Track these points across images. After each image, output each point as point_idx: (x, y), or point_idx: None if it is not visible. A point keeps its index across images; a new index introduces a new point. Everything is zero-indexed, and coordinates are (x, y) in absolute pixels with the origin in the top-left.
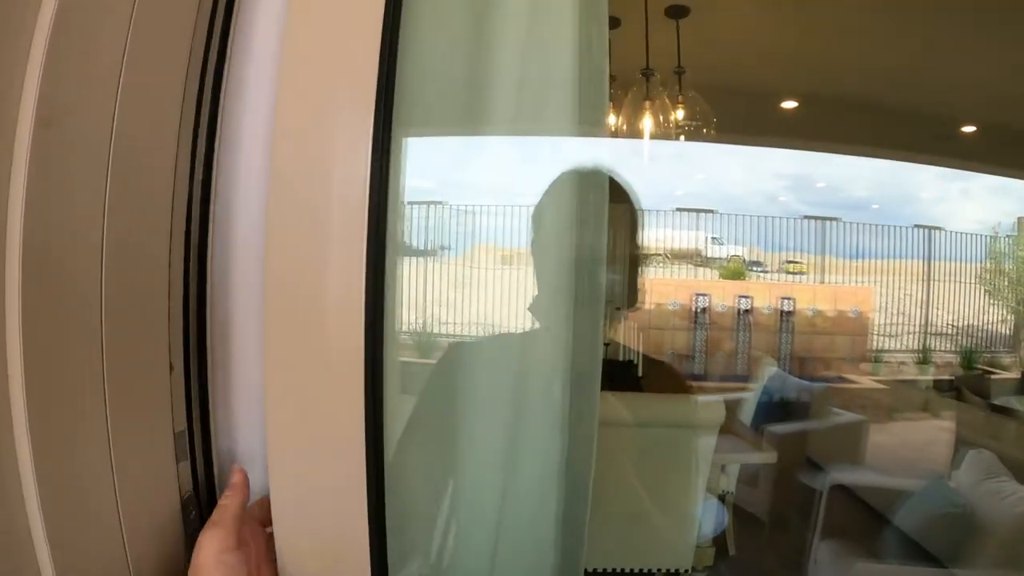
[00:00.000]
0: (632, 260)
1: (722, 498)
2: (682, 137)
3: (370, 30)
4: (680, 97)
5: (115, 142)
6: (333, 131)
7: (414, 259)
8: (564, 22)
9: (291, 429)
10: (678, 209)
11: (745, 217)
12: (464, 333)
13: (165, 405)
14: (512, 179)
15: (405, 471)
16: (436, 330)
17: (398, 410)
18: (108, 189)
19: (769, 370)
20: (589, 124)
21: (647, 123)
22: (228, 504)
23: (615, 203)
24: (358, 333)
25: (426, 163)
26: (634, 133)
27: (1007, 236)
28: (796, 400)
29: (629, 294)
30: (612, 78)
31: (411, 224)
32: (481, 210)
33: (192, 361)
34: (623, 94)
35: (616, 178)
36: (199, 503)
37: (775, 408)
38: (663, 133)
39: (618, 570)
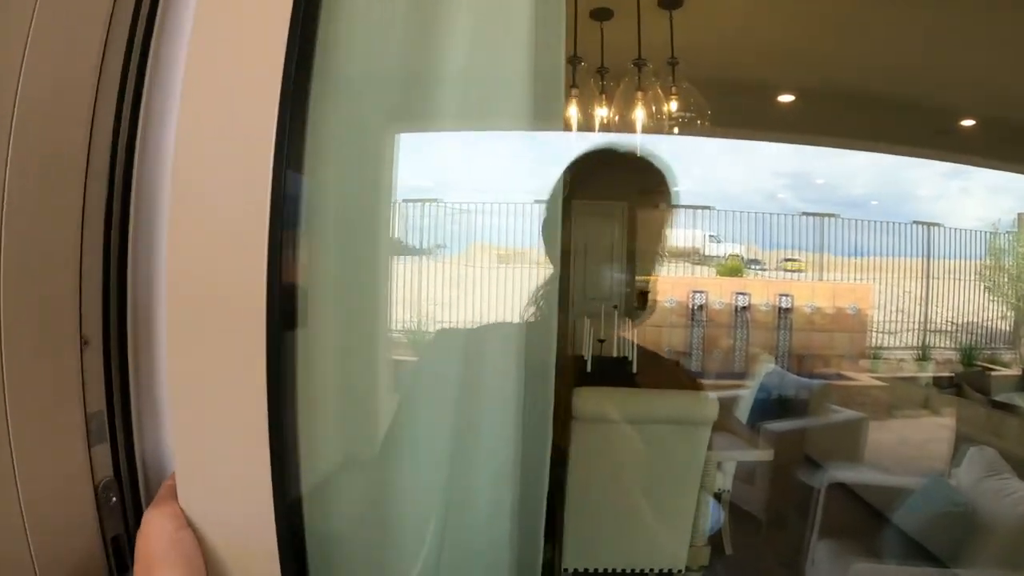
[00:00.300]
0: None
1: (718, 496)
2: (676, 129)
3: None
4: (674, 89)
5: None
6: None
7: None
8: (516, 17)
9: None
10: (673, 205)
11: (742, 214)
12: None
13: (75, 383)
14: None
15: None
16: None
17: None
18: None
19: (766, 367)
20: (544, 119)
21: (639, 114)
22: (169, 483)
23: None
24: (260, 318)
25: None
26: (626, 126)
27: (1007, 232)
28: (794, 397)
29: (638, 300)
30: (605, 70)
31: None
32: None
33: (112, 338)
34: (615, 86)
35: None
36: (120, 487)
37: (772, 405)
38: (656, 126)
39: (610, 570)
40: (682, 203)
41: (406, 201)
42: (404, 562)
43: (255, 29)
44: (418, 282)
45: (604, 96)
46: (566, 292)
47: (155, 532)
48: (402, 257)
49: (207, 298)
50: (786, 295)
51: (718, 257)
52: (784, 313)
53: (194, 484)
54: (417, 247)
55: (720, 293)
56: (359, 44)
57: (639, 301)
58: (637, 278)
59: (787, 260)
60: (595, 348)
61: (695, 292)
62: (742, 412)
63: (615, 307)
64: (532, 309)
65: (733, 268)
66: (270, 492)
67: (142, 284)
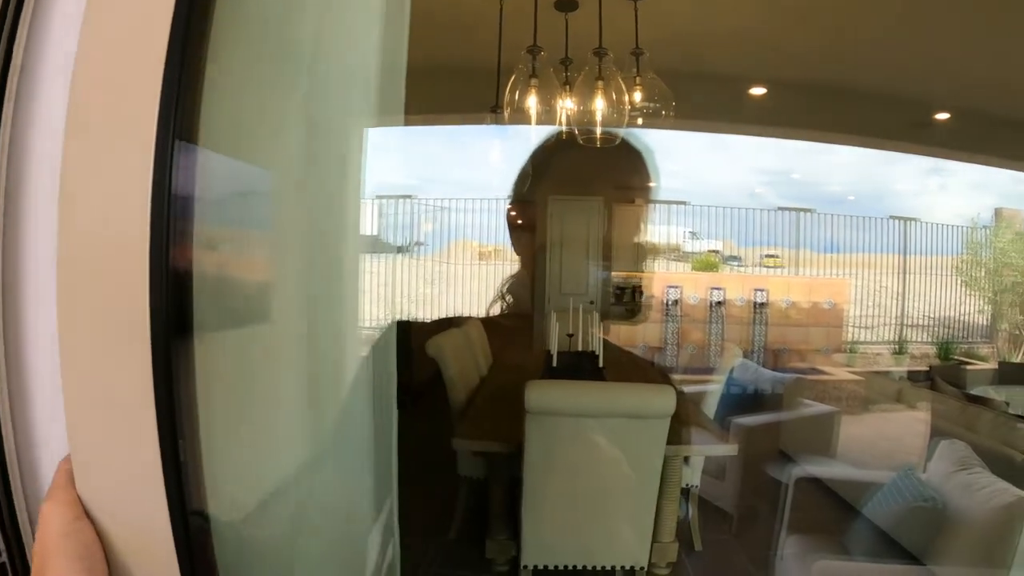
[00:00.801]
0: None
1: (686, 492)
2: (640, 120)
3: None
4: (638, 79)
5: None
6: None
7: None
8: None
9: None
10: (650, 201)
11: (718, 209)
12: None
13: None
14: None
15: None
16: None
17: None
18: None
19: (735, 361)
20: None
21: (599, 104)
22: (65, 467)
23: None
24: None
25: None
26: (587, 117)
27: (984, 227)
28: (766, 391)
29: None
30: (569, 61)
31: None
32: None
33: None
34: (577, 76)
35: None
36: None
37: (743, 399)
38: (618, 117)
39: (570, 567)
40: (658, 199)
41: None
42: (286, 553)
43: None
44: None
45: (568, 87)
46: (541, 288)
47: (50, 523)
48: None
49: (97, 275)
50: (761, 290)
51: (698, 253)
52: (759, 308)
53: (90, 469)
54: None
55: (695, 288)
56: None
57: (617, 297)
58: (614, 274)
59: (767, 256)
60: (564, 343)
61: (670, 287)
62: (710, 406)
63: (591, 303)
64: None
65: (708, 263)
66: (162, 479)
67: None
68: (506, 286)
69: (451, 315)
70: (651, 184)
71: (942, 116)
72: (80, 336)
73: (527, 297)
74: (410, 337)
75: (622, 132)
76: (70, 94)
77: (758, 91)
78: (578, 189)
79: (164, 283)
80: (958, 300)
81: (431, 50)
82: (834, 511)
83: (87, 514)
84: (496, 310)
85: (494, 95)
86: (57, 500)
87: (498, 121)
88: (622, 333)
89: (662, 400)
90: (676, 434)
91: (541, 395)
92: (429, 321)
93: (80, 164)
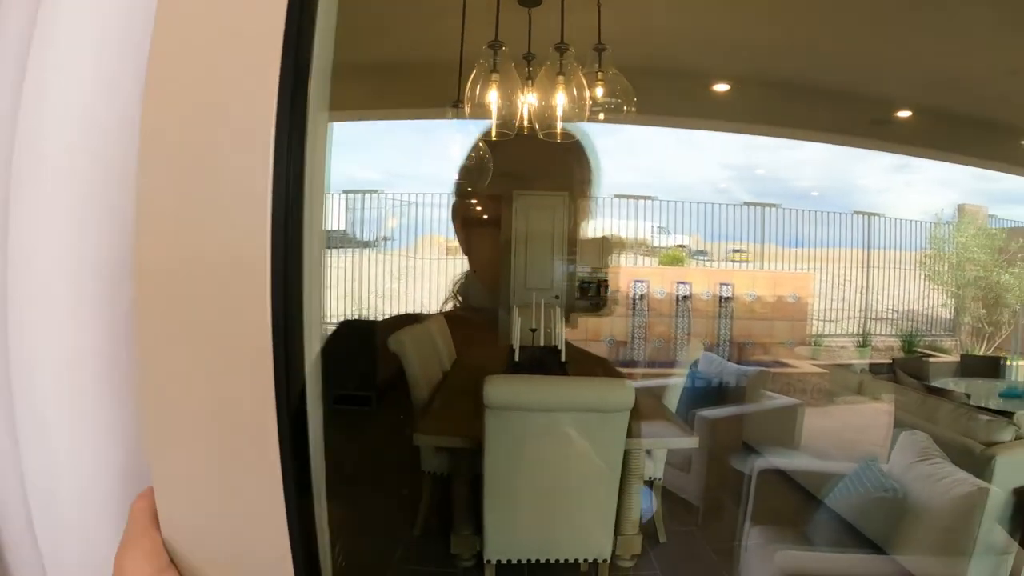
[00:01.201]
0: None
1: (649, 484)
2: (601, 115)
3: None
4: (600, 75)
5: None
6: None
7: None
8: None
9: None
10: (617, 196)
11: (685, 204)
12: None
13: None
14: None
15: None
16: None
17: None
18: None
19: (698, 355)
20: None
21: (560, 99)
22: (144, 507)
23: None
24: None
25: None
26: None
27: (947, 223)
28: (730, 384)
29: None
30: (531, 56)
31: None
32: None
33: None
34: (539, 70)
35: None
36: None
37: (708, 392)
38: (579, 113)
39: (533, 561)
40: (625, 194)
41: None
42: None
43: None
44: None
45: (531, 82)
46: (506, 283)
47: None
48: None
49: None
50: (727, 284)
51: (665, 248)
52: (725, 302)
53: (180, 508)
54: None
55: (661, 282)
56: None
57: (582, 292)
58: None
59: (734, 251)
60: (527, 338)
61: (636, 281)
62: (672, 399)
63: (556, 298)
64: None
65: (675, 258)
66: (283, 512)
67: None
68: (457, 285)
69: (414, 311)
70: (591, 177)
71: (904, 114)
72: (165, 344)
73: (481, 295)
74: (374, 334)
75: (570, 127)
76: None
77: (722, 87)
78: (543, 184)
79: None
80: (922, 294)
81: (397, 44)
82: (797, 502)
83: (175, 563)
84: (449, 308)
85: (456, 90)
86: (138, 547)
87: (459, 116)
88: (588, 327)
89: (621, 394)
90: (637, 427)
91: (499, 390)
92: (389, 317)
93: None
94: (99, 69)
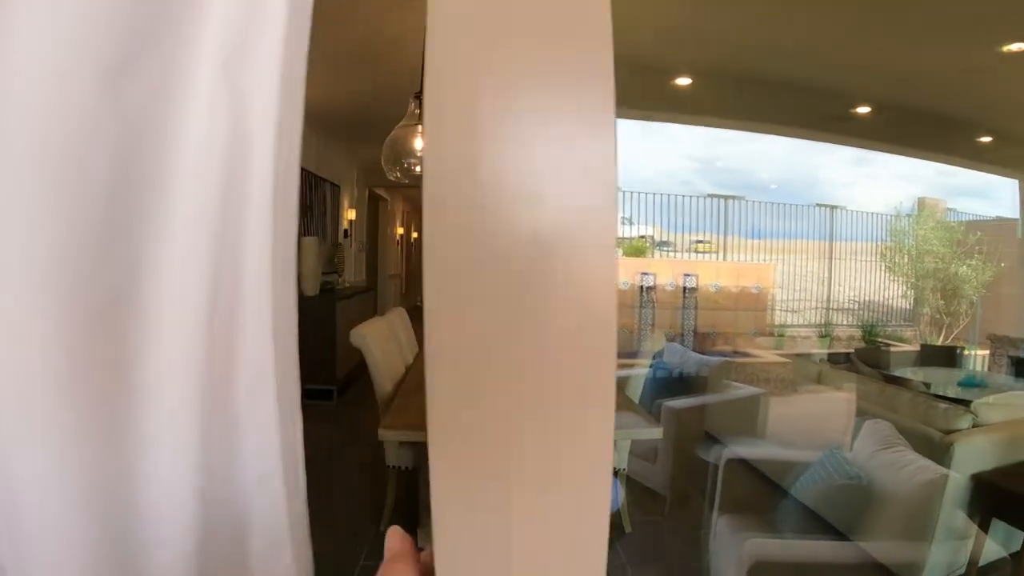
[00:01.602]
0: None
1: (614, 474)
2: None
3: None
4: None
5: None
6: None
7: None
8: None
9: None
10: None
11: (649, 195)
12: None
13: None
14: None
15: None
16: None
17: None
18: None
19: (661, 345)
20: None
21: None
22: (400, 536)
23: None
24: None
25: None
26: None
27: (907, 216)
28: (693, 375)
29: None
30: None
31: None
32: None
33: None
34: None
35: None
36: None
37: (670, 383)
38: None
39: None
40: None
41: None
42: None
43: None
44: None
45: None
46: None
47: None
48: None
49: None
50: (691, 275)
51: (629, 239)
52: (689, 292)
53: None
54: None
55: (625, 273)
56: None
57: None
58: None
59: (697, 242)
60: None
61: None
62: (635, 390)
63: None
64: None
65: (639, 249)
66: None
67: None
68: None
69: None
70: None
71: (863, 110)
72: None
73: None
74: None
75: None
76: None
77: (684, 81)
78: None
79: None
80: (882, 285)
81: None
82: (763, 490)
83: None
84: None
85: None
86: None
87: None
88: None
89: None
90: None
91: None
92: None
93: None
94: (55, 60)
